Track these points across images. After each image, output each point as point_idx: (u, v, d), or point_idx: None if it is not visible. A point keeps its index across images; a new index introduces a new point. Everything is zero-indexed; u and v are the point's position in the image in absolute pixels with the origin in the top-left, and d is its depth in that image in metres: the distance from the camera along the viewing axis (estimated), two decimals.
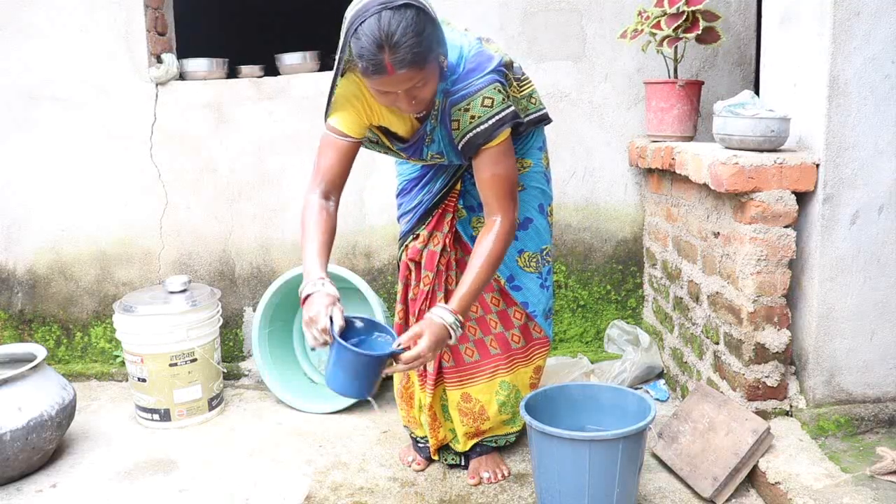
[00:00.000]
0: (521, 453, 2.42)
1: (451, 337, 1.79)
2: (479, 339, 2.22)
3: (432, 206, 2.16)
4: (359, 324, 1.80)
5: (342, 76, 1.86)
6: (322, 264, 1.81)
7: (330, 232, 1.89)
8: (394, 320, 2.34)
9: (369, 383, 1.75)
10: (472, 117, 1.83)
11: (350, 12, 1.70)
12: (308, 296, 1.75)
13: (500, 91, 1.85)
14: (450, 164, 2.09)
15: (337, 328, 1.69)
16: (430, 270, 2.16)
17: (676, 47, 2.67)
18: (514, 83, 2.02)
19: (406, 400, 2.36)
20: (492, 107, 1.83)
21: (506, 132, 1.87)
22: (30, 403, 2.34)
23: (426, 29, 1.66)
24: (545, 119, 2.16)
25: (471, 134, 1.85)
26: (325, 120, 1.94)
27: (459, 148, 1.90)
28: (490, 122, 1.84)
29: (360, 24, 1.64)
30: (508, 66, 1.95)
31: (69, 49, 3.14)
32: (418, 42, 1.63)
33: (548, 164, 2.23)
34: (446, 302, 2.15)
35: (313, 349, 1.83)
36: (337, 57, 1.79)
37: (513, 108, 1.88)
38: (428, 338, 1.74)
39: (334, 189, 1.94)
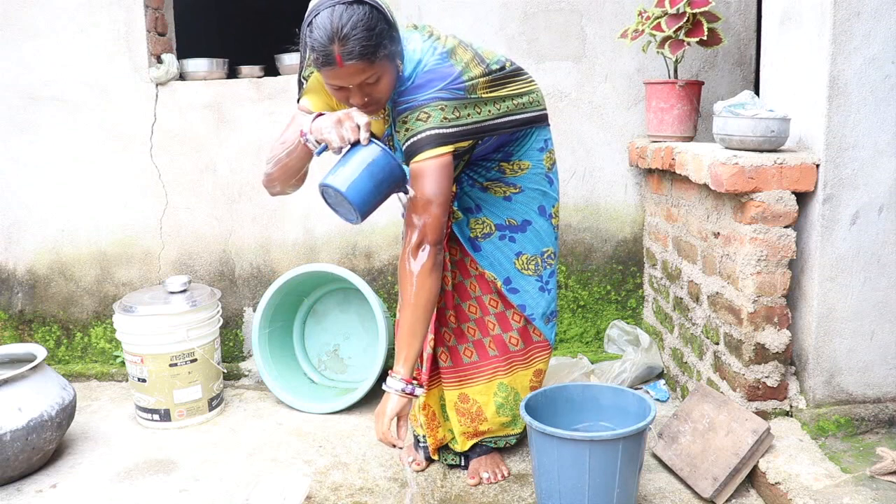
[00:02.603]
0: (521, 453, 2.42)
1: (413, 395, 1.85)
2: (477, 341, 2.22)
3: None
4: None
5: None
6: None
7: None
8: (394, 320, 2.34)
9: (383, 198, 1.75)
10: (407, 129, 1.83)
11: (310, 7, 1.75)
12: (321, 113, 1.79)
13: (442, 109, 1.82)
14: None
15: (365, 131, 1.72)
16: None
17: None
18: (493, 84, 1.95)
19: None
20: (426, 122, 1.81)
21: (436, 150, 1.81)
22: (30, 404, 2.34)
23: (377, 25, 1.69)
24: (540, 120, 2.13)
25: (405, 146, 1.85)
26: (297, 103, 2.00)
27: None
28: (420, 137, 1.81)
29: (314, 17, 1.70)
30: (479, 74, 1.90)
31: (69, 49, 3.14)
32: (368, 36, 1.67)
33: (552, 165, 2.21)
34: (444, 305, 2.17)
35: (319, 153, 1.79)
36: (300, 51, 1.83)
37: (450, 130, 1.82)
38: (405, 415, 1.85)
39: None
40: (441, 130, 1.82)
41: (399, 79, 1.84)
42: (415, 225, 1.82)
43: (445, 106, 1.82)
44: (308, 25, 1.72)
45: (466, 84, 1.87)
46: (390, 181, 1.74)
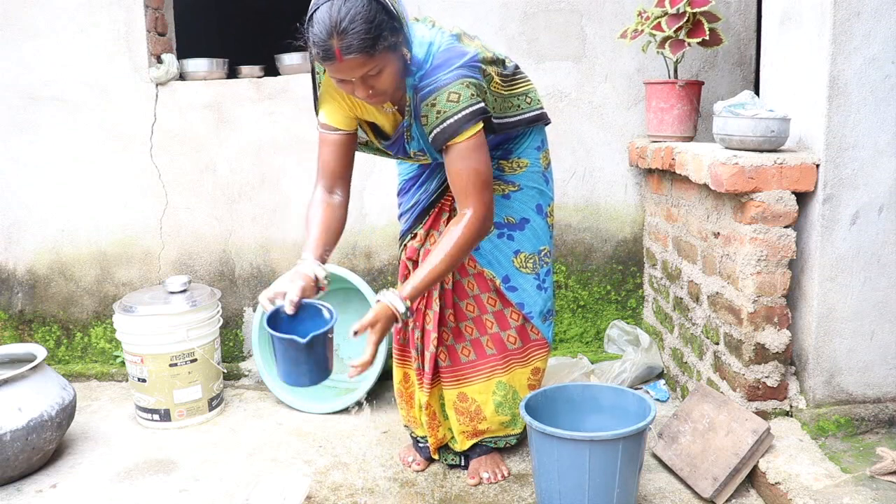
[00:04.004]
0: (521, 453, 2.42)
1: (398, 322, 1.82)
2: (475, 339, 2.22)
3: (429, 205, 2.17)
4: (325, 314, 1.79)
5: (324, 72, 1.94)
6: (312, 246, 1.88)
7: (330, 221, 1.94)
8: None
9: (308, 370, 1.73)
10: (439, 112, 1.82)
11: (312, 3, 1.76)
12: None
13: (468, 86, 1.83)
14: (442, 163, 2.10)
15: (290, 306, 1.74)
16: None
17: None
18: (500, 79, 2.00)
19: (406, 399, 2.36)
20: (458, 102, 1.81)
21: (474, 127, 1.83)
22: (30, 404, 2.34)
23: (377, 17, 1.69)
24: (542, 119, 2.15)
25: (437, 129, 1.84)
26: (317, 117, 2.00)
27: (431, 143, 1.89)
28: (456, 118, 1.81)
29: (314, 12, 1.70)
30: (489, 61, 1.94)
31: (69, 49, 3.14)
32: (367, 29, 1.67)
33: (548, 164, 2.22)
34: (443, 304, 2.17)
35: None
36: (309, 55, 1.84)
37: (481, 104, 1.84)
38: (380, 328, 1.78)
39: (338, 183, 2.00)
40: (473, 108, 1.82)
41: (416, 63, 1.85)
42: (474, 200, 1.84)
43: (470, 83, 1.83)
44: (309, 21, 1.72)
45: (481, 66, 1.89)
46: (298, 356, 1.70)
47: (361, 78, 1.74)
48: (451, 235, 1.85)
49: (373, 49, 1.69)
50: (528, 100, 2.10)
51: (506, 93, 2.03)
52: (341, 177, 2.00)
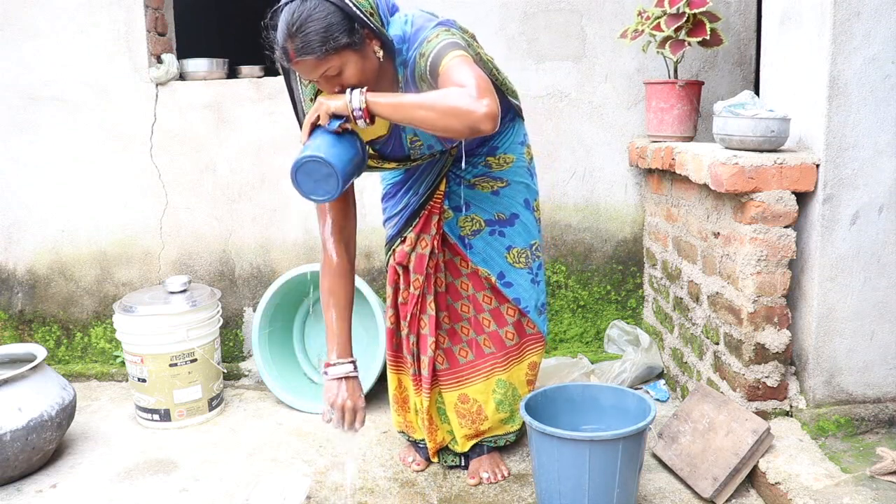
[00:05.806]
0: (521, 453, 2.42)
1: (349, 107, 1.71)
2: (472, 339, 2.22)
3: (418, 208, 2.13)
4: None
5: (311, 100, 1.97)
6: (344, 345, 1.94)
7: (349, 294, 1.99)
8: (385, 325, 2.33)
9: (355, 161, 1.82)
10: (422, 55, 1.79)
11: None
12: (339, 378, 1.91)
13: (446, 31, 1.80)
14: (433, 164, 2.08)
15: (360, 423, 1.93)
16: (419, 273, 2.14)
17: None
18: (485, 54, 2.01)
19: (401, 404, 2.36)
20: (437, 38, 1.77)
21: (461, 52, 1.73)
22: (30, 404, 2.34)
23: (327, 18, 1.69)
24: (520, 112, 2.16)
25: (427, 70, 1.77)
26: None
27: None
28: (437, 48, 1.75)
29: (275, 15, 1.74)
30: (470, 35, 1.95)
31: (69, 49, 3.14)
32: (315, 30, 1.68)
33: (531, 158, 2.22)
34: (436, 307, 2.18)
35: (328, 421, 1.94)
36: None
37: (462, 41, 1.78)
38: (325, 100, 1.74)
39: (345, 221, 2.00)
40: (452, 39, 1.77)
41: (398, 39, 1.84)
42: (483, 91, 1.65)
43: (447, 30, 1.81)
44: (271, 24, 1.75)
45: (458, 27, 1.89)
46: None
47: (324, 77, 1.75)
48: (441, 90, 1.70)
49: (321, 51, 1.69)
50: (511, 92, 2.10)
51: (493, 72, 2.01)
52: (347, 213, 2.00)
